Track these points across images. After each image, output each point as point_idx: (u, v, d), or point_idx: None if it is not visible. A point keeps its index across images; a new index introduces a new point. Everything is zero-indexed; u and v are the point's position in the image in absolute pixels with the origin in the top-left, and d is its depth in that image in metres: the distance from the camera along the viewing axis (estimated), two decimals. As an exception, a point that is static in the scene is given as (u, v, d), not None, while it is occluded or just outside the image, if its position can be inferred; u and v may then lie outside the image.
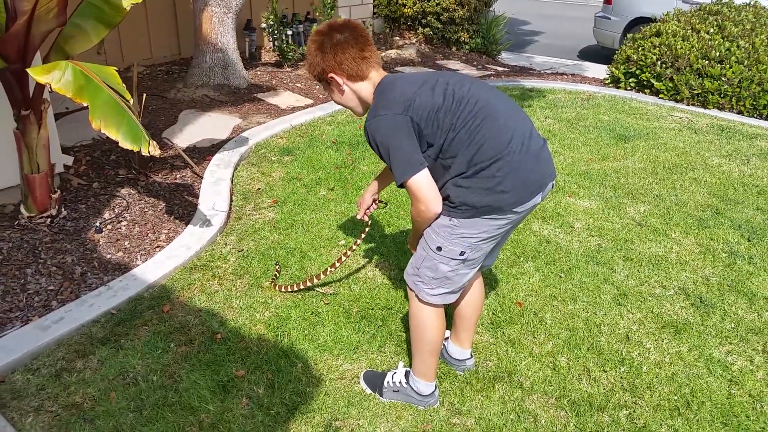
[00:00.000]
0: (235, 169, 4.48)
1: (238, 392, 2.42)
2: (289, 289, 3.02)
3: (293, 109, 5.90)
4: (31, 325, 2.71)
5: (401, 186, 2.03)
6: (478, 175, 2.01)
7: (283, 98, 6.23)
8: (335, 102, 2.26)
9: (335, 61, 2.10)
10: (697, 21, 6.92)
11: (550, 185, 2.14)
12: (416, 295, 2.24)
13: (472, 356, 2.62)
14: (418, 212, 2.08)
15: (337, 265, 2.86)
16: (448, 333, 2.66)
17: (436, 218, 2.10)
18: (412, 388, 2.37)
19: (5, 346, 2.56)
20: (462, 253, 2.11)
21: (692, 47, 6.59)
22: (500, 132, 2.02)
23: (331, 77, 2.14)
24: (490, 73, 8.14)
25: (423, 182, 2.00)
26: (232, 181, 4.25)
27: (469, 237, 2.09)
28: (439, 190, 2.07)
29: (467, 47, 9.19)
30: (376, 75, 2.15)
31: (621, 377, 2.60)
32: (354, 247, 2.83)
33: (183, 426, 2.25)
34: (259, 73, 6.97)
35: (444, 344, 2.63)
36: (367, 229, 2.84)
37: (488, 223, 2.07)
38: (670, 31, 6.90)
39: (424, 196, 2.02)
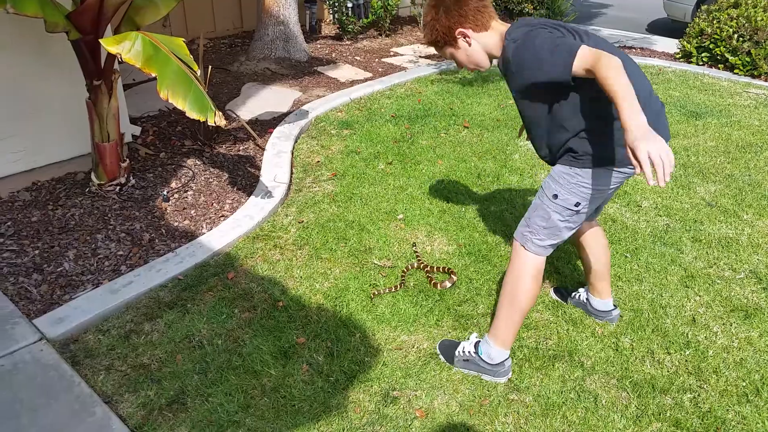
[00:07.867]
0: (296, 141, 4.52)
1: (299, 358, 2.47)
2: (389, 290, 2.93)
3: (352, 83, 5.89)
4: (102, 288, 2.82)
5: (569, 75, 1.88)
6: (604, 128, 2.05)
7: (343, 71, 6.23)
8: (459, 61, 2.24)
9: (460, 14, 2.11)
10: (781, -9, 6.54)
11: None
12: (522, 247, 2.27)
13: (616, 306, 2.73)
14: (607, 66, 1.80)
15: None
16: (583, 291, 2.77)
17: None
18: (481, 357, 2.38)
19: (78, 308, 2.68)
20: (577, 204, 2.16)
21: (773, 19, 6.23)
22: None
23: (460, 32, 2.14)
24: (553, 47, 7.92)
25: (587, 50, 1.85)
26: (292, 154, 4.29)
27: (586, 188, 2.14)
28: (565, 142, 2.12)
29: (530, 20, 8.94)
30: (498, 25, 2.15)
31: (686, 360, 2.52)
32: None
33: (246, 389, 2.31)
34: (319, 46, 6.98)
35: (587, 299, 2.73)
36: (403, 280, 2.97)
37: (607, 174, 2.12)
38: (750, 1, 6.53)
39: (595, 54, 1.83)
